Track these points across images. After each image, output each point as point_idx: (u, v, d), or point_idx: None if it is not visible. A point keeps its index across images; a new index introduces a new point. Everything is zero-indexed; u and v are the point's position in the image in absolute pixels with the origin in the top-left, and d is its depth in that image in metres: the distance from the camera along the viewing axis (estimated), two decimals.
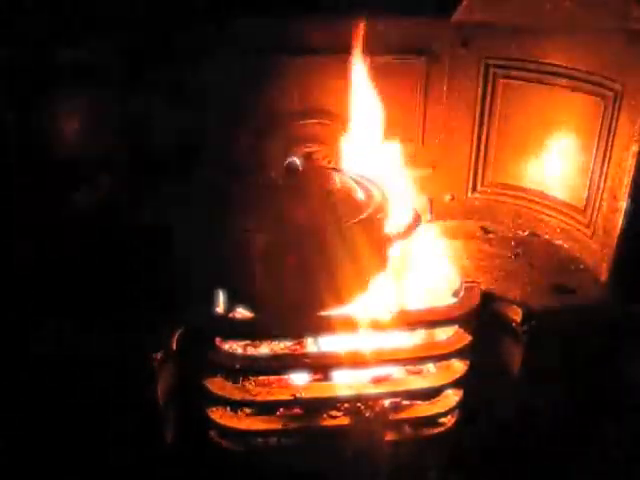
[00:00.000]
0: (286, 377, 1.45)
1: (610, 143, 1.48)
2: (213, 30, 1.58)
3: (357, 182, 1.48)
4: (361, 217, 1.33)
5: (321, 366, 1.40)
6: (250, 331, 1.40)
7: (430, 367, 1.53)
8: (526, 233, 1.75)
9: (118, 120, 1.60)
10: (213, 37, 1.60)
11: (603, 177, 1.51)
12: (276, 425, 1.41)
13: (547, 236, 1.72)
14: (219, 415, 1.42)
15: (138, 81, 1.58)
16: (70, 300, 1.37)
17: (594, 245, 1.55)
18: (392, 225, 1.40)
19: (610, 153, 1.48)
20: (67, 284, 1.41)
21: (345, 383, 1.42)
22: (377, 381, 1.44)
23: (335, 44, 1.62)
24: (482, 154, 1.82)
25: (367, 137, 1.68)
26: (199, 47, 1.60)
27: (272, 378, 1.45)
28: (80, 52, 1.48)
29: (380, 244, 1.40)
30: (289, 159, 1.41)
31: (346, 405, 1.44)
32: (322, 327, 1.36)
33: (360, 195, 1.43)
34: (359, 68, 1.60)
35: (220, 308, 1.40)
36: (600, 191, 1.52)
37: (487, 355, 1.45)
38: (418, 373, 1.53)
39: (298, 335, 1.46)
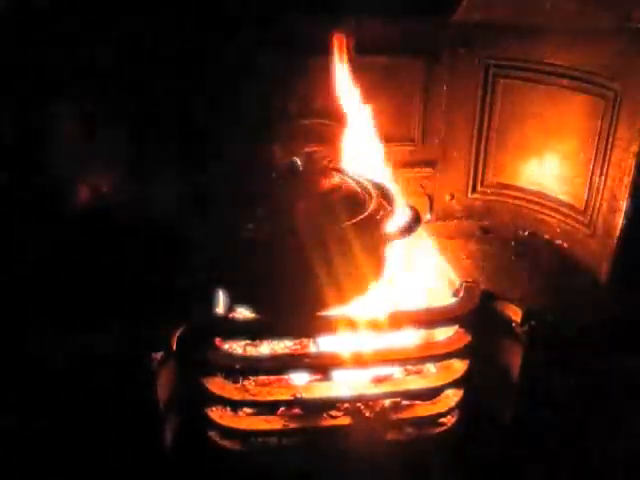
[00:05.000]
0: (286, 377, 1.45)
1: (610, 143, 1.48)
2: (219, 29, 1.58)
3: (357, 182, 1.48)
4: (361, 217, 1.33)
5: (321, 366, 1.40)
6: (250, 331, 1.40)
7: (430, 367, 1.53)
8: (526, 233, 1.75)
9: (117, 119, 1.60)
10: (214, 36, 1.60)
11: (603, 177, 1.51)
12: (276, 425, 1.41)
13: (547, 236, 1.72)
14: (219, 415, 1.42)
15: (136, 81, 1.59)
16: (70, 300, 1.37)
17: (594, 245, 1.55)
18: (392, 225, 1.40)
19: (610, 153, 1.48)
20: (66, 284, 1.41)
21: (345, 383, 1.42)
22: (377, 381, 1.44)
23: (336, 44, 1.62)
24: (482, 154, 1.82)
25: (367, 137, 1.68)
26: (201, 46, 1.60)
27: (272, 378, 1.45)
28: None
29: (380, 244, 1.40)
30: (289, 159, 1.41)
31: (346, 405, 1.44)
32: (322, 327, 1.36)
33: (360, 195, 1.43)
34: (359, 68, 1.60)
35: (220, 308, 1.40)
36: (600, 191, 1.53)
37: (487, 355, 1.45)
38: (418, 373, 1.53)
39: (298, 335, 1.46)
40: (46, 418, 1.33)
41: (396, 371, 1.49)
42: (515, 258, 1.61)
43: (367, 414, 1.44)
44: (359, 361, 1.37)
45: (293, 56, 1.66)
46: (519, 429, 1.46)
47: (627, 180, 1.40)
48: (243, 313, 1.46)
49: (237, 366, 1.35)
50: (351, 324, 1.34)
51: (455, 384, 1.44)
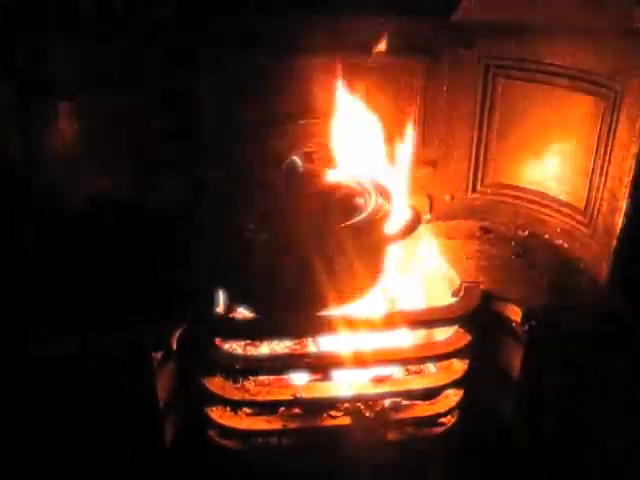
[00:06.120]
0: (286, 377, 1.45)
1: (610, 143, 1.47)
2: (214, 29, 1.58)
3: (357, 182, 1.48)
4: (361, 217, 1.33)
5: (321, 366, 1.40)
6: (250, 331, 1.40)
7: (430, 367, 1.53)
8: (526, 233, 1.75)
9: (116, 119, 1.60)
10: (214, 36, 1.60)
11: (603, 177, 1.51)
12: (276, 425, 1.41)
13: (547, 236, 1.72)
14: (219, 415, 1.42)
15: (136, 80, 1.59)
16: (70, 300, 1.37)
17: (594, 245, 1.55)
18: (392, 225, 1.40)
19: (610, 153, 1.48)
20: (66, 284, 1.41)
21: (345, 383, 1.42)
22: (377, 381, 1.44)
23: (336, 44, 1.62)
24: (482, 154, 1.82)
25: (367, 137, 1.68)
26: (200, 46, 1.60)
27: (272, 378, 1.46)
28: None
29: (380, 244, 1.40)
30: (289, 159, 1.41)
31: (346, 405, 1.44)
32: (322, 327, 1.36)
33: (360, 195, 1.43)
34: (359, 68, 1.60)
35: (220, 308, 1.40)
36: (600, 191, 1.52)
37: (487, 355, 1.45)
38: (418, 373, 1.53)
39: (298, 335, 1.46)
40: (46, 417, 1.33)
41: (396, 371, 1.49)
42: (515, 258, 1.61)
43: (367, 414, 1.44)
44: (359, 361, 1.37)
45: (292, 56, 1.66)
46: (519, 429, 1.46)
47: (627, 180, 1.40)
48: (243, 313, 1.46)
49: (237, 366, 1.35)
50: (351, 324, 1.34)
51: (455, 384, 1.44)
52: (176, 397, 1.39)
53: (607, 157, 1.49)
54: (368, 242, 1.35)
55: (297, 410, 1.44)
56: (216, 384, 1.38)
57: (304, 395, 1.40)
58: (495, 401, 1.47)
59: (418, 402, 1.47)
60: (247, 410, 1.45)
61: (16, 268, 1.41)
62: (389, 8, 1.57)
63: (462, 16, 1.63)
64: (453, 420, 1.48)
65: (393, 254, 1.53)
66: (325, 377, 1.45)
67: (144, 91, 1.59)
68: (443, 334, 1.46)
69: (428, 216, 1.90)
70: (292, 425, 1.41)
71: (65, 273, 1.43)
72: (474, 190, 1.87)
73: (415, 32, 1.68)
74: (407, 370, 1.53)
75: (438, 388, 1.45)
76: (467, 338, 1.40)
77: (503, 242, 1.70)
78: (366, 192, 1.44)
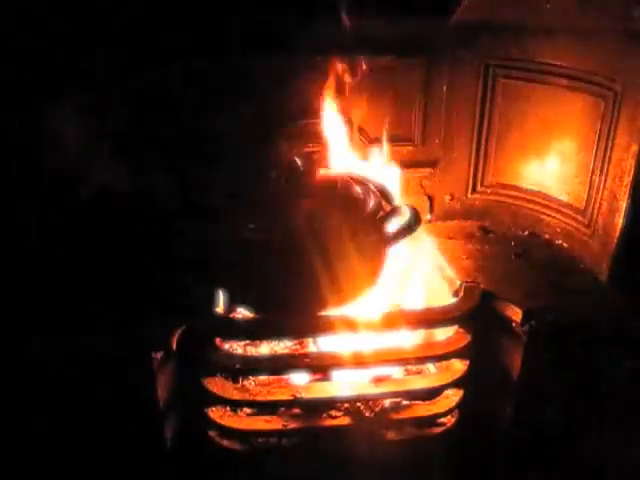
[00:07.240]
0: (286, 377, 1.45)
1: (610, 143, 1.48)
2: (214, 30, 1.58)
3: (357, 182, 1.48)
4: (361, 217, 1.33)
5: (321, 366, 1.40)
6: (250, 331, 1.40)
7: (430, 367, 1.53)
8: (526, 233, 1.75)
9: (116, 119, 1.61)
10: (213, 37, 1.60)
11: (603, 177, 1.51)
12: (276, 425, 1.41)
13: (547, 236, 1.72)
14: (219, 415, 1.42)
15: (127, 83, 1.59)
16: (70, 300, 1.37)
17: (594, 245, 1.55)
18: (392, 225, 1.40)
19: (610, 153, 1.48)
20: (66, 284, 1.41)
21: (345, 383, 1.42)
22: (377, 381, 1.44)
23: (335, 44, 1.62)
24: (482, 154, 1.82)
25: (366, 137, 1.68)
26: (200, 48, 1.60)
27: (272, 378, 1.46)
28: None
29: (380, 244, 1.40)
30: (289, 159, 1.41)
31: (346, 405, 1.44)
32: (322, 327, 1.36)
33: (360, 195, 1.43)
34: (359, 68, 1.60)
35: (220, 308, 1.40)
36: (600, 191, 1.53)
37: (487, 355, 1.45)
38: (418, 373, 1.53)
39: (298, 335, 1.46)
40: (46, 418, 1.33)
41: (396, 371, 1.49)
42: (515, 258, 1.61)
43: (367, 414, 1.44)
44: (359, 361, 1.37)
45: (291, 57, 1.66)
46: (519, 429, 1.46)
47: (627, 180, 1.40)
48: (243, 313, 1.46)
49: (237, 366, 1.35)
50: (351, 324, 1.34)
51: (455, 384, 1.44)
52: (176, 397, 1.39)
53: (607, 157, 1.49)
54: (368, 242, 1.35)
55: (297, 410, 1.44)
56: (216, 384, 1.38)
57: (304, 395, 1.40)
58: (495, 401, 1.47)
59: (418, 402, 1.47)
60: (247, 410, 1.45)
61: (16, 268, 1.41)
62: (389, 8, 1.57)
63: (462, 16, 1.63)
64: (453, 420, 1.48)
65: (393, 254, 1.53)
66: (325, 377, 1.45)
67: (144, 91, 1.59)
68: (443, 334, 1.46)
69: (428, 216, 1.90)
70: (292, 425, 1.42)
71: (65, 273, 1.43)
72: (474, 190, 1.87)
73: (415, 32, 1.68)
74: (407, 370, 1.53)
75: (438, 388, 1.45)
76: (467, 338, 1.40)
77: (503, 242, 1.71)
78: (366, 192, 1.44)
